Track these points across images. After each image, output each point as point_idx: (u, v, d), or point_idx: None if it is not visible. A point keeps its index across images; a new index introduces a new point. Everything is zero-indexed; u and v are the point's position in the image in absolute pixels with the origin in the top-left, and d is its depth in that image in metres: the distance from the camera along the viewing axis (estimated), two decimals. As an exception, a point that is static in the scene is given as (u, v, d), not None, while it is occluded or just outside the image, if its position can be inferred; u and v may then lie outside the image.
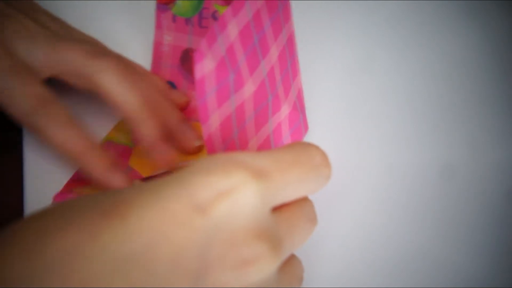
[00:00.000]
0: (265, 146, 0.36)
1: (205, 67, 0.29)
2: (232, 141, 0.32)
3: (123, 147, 0.40)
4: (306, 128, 0.39)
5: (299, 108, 0.38)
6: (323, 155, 0.29)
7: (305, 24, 0.45)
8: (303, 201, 0.30)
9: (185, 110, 0.41)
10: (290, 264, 0.29)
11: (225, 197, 0.25)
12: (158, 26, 0.41)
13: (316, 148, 0.29)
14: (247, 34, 0.31)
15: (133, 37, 0.44)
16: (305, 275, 0.35)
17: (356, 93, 0.42)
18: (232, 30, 0.30)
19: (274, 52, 0.34)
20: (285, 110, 0.37)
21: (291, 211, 0.29)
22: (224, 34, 0.30)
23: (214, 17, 0.39)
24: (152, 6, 0.45)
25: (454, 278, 0.35)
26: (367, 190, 0.38)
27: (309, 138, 0.40)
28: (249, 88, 0.33)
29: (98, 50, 0.36)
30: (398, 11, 0.46)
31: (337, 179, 0.39)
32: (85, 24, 0.44)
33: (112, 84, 0.35)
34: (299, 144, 0.29)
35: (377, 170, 0.39)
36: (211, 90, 0.30)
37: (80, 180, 0.38)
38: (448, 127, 0.41)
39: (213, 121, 0.30)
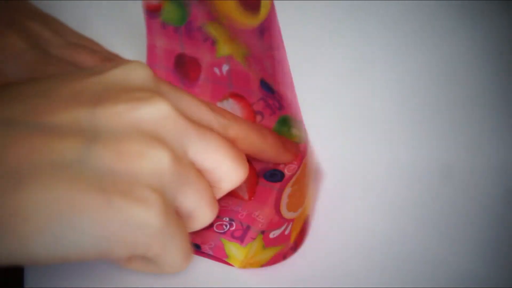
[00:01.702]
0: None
1: None
2: None
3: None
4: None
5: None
6: (222, 110, 0.33)
7: (303, 23, 0.45)
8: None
9: None
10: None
11: (118, 67, 0.30)
12: (149, 31, 0.40)
13: (217, 106, 0.33)
14: None
15: (128, 39, 0.44)
16: (304, 274, 0.35)
17: (355, 93, 0.42)
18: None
19: None
20: None
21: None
22: None
23: (201, 30, 0.38)
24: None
25: (453, 278, 0.35)
26: (365, 190, 0.38)
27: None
28: None
29: None
30: (397, 10, 0.46)
31: (336, 179, 0.39)
32: (80, 24, 0.44)
33: None
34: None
35: (376, 171, 0.39)
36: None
37: None
38: (447, 127, 0.41)
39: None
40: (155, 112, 0.29)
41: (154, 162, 0.28)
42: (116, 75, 0.30)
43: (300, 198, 0.36)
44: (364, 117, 0.41)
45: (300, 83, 0.42)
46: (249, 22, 0.32)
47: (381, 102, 0.42)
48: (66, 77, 0.30)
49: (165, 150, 0.28)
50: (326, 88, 0.42)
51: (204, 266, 0.35)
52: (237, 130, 0.33)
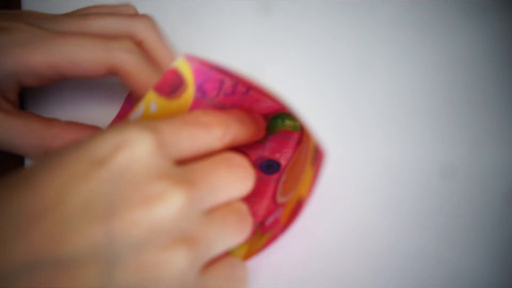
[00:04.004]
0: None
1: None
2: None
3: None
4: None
5: None
6: (209, 115, 0.32)
7: (305, 23, 0.45)
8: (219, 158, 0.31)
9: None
10: (225, 261, 0.31)
11: (121, 149, 0.28)
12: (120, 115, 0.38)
13: (202, 112, 0.32)
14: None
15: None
16: (304, 274, 0.35)
17: (356, 92, 0.42)
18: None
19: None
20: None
21: (202, 163, 0.30)
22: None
23: None
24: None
25: (453, 278, 0.35)
26: (366, 189, 0.38)
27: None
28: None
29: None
30: (398, 10, 0.46)
31: (337, 178, 0.39)
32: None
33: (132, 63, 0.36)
34: (188, 113, 0.32)
35: (376, 170, 0.39)
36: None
37: None
38: (448, 127, 0.41)
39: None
40: (169, 212, 0.28)
41: (175, 267, 0.28)
42: (119, 162, 0.27)
43: (294, 182, 0.36)
44: (364, 116, 0.41)
45: (300, 83, 0.43)
46: None
47: (382, 101, 0.42)
48: (67, 177, 0.27)
49: (182, 250, 0.28)
50: (327, 87, 0.42)
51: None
52: (231, 135, 0.33)
